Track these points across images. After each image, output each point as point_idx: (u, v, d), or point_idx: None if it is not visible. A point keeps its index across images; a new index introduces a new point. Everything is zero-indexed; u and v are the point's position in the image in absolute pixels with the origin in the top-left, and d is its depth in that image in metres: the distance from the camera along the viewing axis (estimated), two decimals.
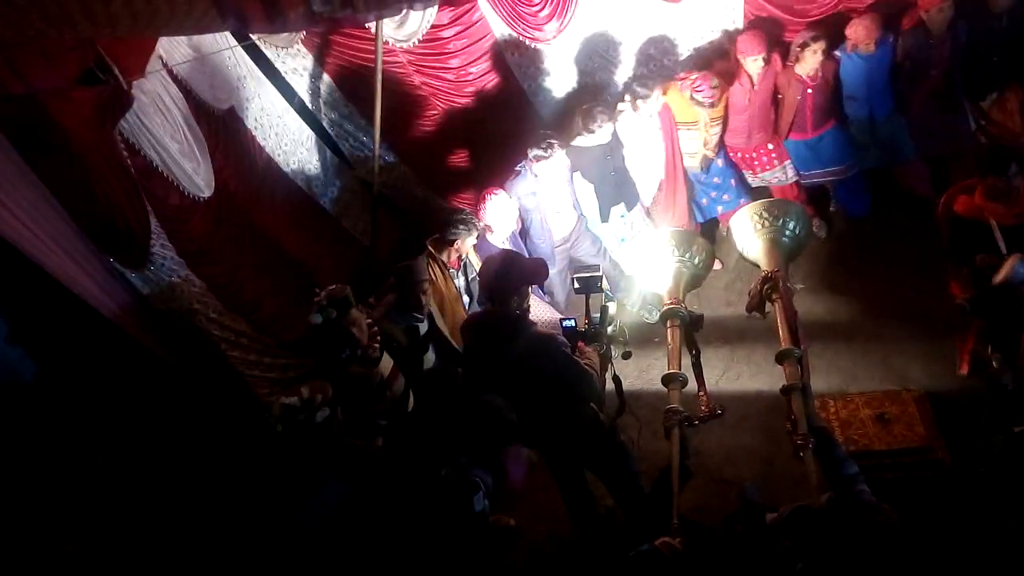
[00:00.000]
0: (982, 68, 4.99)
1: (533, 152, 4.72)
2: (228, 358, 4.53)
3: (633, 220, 5.32)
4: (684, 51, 5.49)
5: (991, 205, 4.00)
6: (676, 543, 2.63)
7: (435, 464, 2.98)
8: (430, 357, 4.27)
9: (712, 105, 5.05)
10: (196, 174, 4.14)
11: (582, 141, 4.93)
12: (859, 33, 4.91)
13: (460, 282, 4.62)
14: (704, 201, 5.60)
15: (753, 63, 4.99)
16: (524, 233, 5.08)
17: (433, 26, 4.87)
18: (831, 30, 5.03)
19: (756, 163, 5.52)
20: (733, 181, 5.50)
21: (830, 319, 5.14)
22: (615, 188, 5.12)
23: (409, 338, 4.08)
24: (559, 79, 5.47)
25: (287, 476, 3.19)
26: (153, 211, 3.98)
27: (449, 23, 4.90)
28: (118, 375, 4.19)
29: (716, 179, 5.47)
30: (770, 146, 5.43)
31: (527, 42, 5.15)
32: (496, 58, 5.21)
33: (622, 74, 5.51)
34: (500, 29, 5.08)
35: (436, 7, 4.61)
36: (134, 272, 4.09)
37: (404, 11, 4.30)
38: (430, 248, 4.48)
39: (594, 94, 5.53)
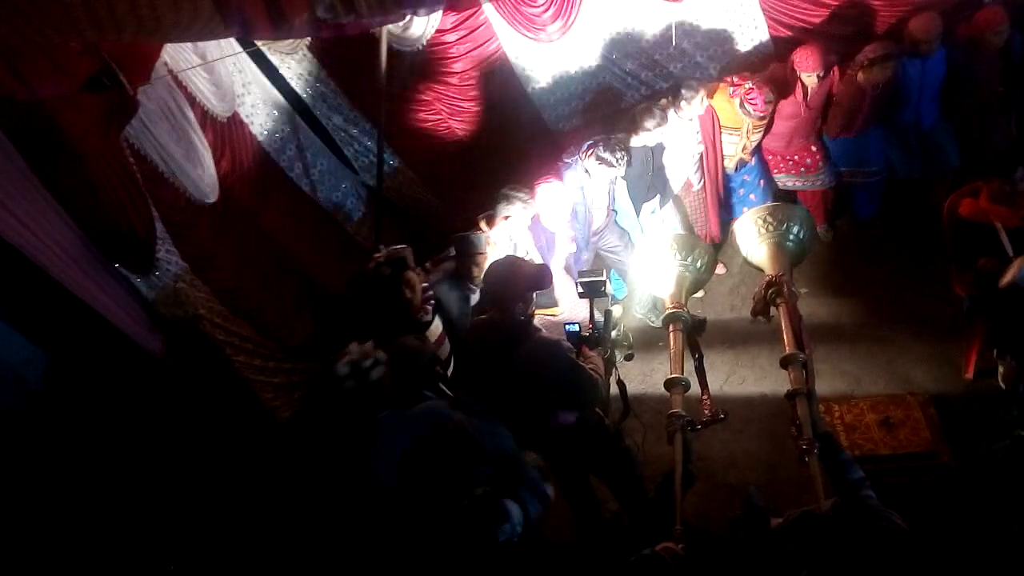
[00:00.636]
0: None
1: (602, 154, 4.62)
2: (233, 363, 4.54)
3: (664, 216, 5.29)
4: (694, 60, 5.47)
5: (997, 208, 3.99)
6: (678, 548, 2.63)
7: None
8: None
9: (762, 118, 4.98)
10: (201, 180, 4.16)
11: (634, 140, 4.86)
12: (919, 35, 4.74)
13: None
14: (732, 203, 5.52)
15: (809, 78, 4.87)
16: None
17: (437, 31, 4.89)
18: (902, 44, 4.88)
19: (793, 166, 5.39)
20: (762, 182, 5.42)
21: (834, 323, 5.12)
22: (649, 186, 5.07)
23: (459, 306, 4.08)
24: (563, 81, 5.47)
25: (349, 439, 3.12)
26: (158, 216, 4.00)
27: (453, 27, 4.91)
28: (123, 379, 4.21)
29: (746, 176, 5.39)
30: (813, 148, 5.29)
31: (531, 43, 5.16)
32: (500, 61, 5.21)
33: (628, 75, 5.50)
34: (504, 31, 5.08)
35: (440, 12, 4.62)
36: (139, 277, 4.12)
37: (408, 16, 4.30)
38: (483, 224, 4.45)
39: (599, 95, 5.53)
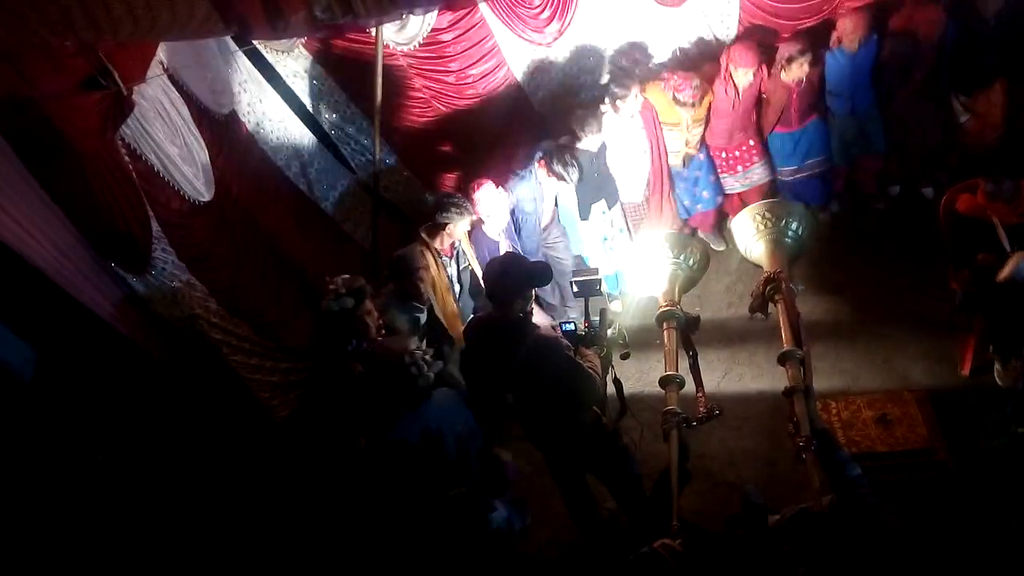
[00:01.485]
0: (971, 67, 5.02)
1: (555, 168, 4.72)
2: (230, 363, 4.54)
3: (613, 218, 5.33)
4: (675, 54, 5.50)
5: (994, 204, 3.99)
6: (676, 545, 2.63)
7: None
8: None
9: (694, 105, 5.07)
10: (197, 179, 4.15)
11: (578, 145, 4.93)
12: (847, 27, 4.93)
13: (452, 270, 4.61)
14: (687, 202, 5.63)
15: (743, 75, 5.02)
16: (516, 231, 5.05)
17: (433, 29, 4.88)
18: (818, 39, 5.06)
19: (736, 163, 5.52)
20: (712, 178, 5.55)
21: (831, 320, 5.14)
22: (596, 187, 5.13)
23: (411, 328, 4.09)
24: (560, 80, 5.48)
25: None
26: (154, 216, 3.99)
27: (449, 26, 4.91)
28: (118, 379, 4.19)
29: (697, 172, 5.50)
30: (751, 143, 5.44)
31: (528, 44, 5.16)
32: (496, 60, 5.21)
33: (624, 75, 5.50)
34: (500, 31, 5.09)
35: (436, 12, 4.62)
36: (135, 277, 4.10)
37: (405, 15, 4.30)
38: (423, 235, 4.49)
39: (596, 94, 5.55)
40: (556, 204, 5.18)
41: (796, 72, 4.99)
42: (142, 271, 4.08)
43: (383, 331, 3.79)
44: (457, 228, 4.46)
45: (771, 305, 3.76)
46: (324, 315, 3.64)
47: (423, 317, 4.15)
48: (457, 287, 4.64)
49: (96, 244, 3.87)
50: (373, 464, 3.21)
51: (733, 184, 5.60)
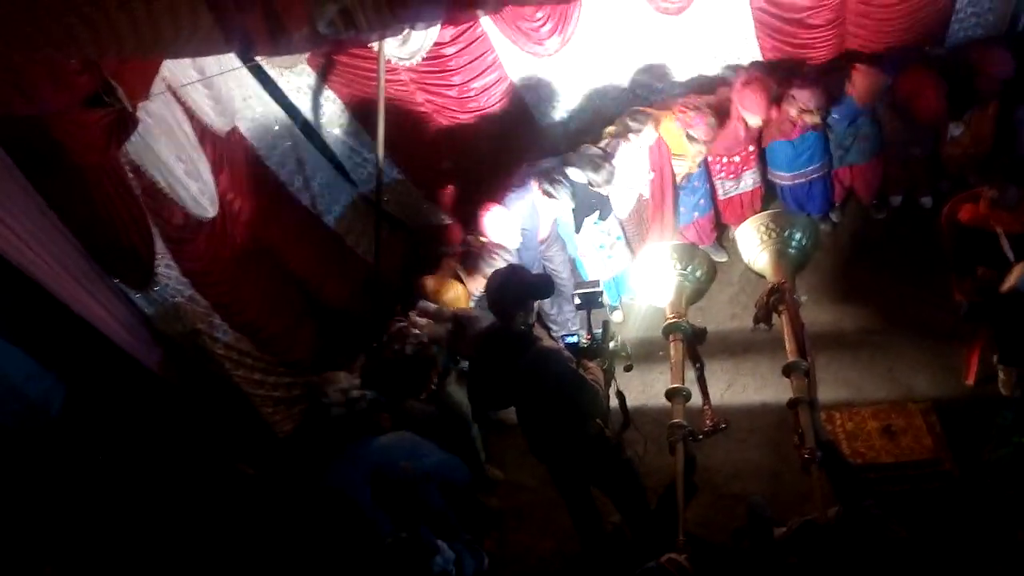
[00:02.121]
0: (967, 97, 5.00)
1: (545, 187, 4.74)
2: (232, 378, 4.54)
3: (609, 227, 5.32)
4: (687, 75, 5.52)
5: (997, 213, 3.99)
6: (682, 559, 2.61)
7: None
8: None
9: (706, 143, 5.13)
10: (201, 194, 4.17)
11: (575, 175, 4.89)
12: (860, 89, 4.95)
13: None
14: (683, 209, 5.62)
15: (751, 119, 5.07)
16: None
17: (436, 43, 4.90)
18: (829, 96, 5.06)
19: (733, 168, 5.53)
20: (708, 185, 5.57)
21: (835, 331, 5.12)
22: (590, 205, 5.12)
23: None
24: (562, 93, 5.50)
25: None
26: (158, 232, 4.01)
27: (451, 40, 4.93)
28: (123, 396, 4.19)
29: (696, 183, 5.52)
30: (751, 148, 5.44)
31: (529, 57, 5.19)
32: (498, 73, 5.24)
33: (623, 88, 5.54)
34: (502, 45, 5.12)
35: (439, 26, 4.65)
36: (138, 293, 4.11)
37: (407, 30, 4.33)
38: (461, 271, 4.57)
39: (598, 107, 5.56)
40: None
41: (808, 119, 5.04)
42: (145, 287, 4.10)
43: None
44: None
45: (775, 316, 3.76)
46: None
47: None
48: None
49: (100, 260, 3.88)
50: (304, 511, 3.23)
51: (728, 188, 5.61)
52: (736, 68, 5.40)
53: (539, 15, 4.93)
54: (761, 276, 4.04)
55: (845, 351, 4.95)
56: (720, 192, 5.64)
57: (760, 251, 4.00)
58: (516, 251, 4.91)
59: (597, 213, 5.17)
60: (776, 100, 5.11)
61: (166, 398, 4.31)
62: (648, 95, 5.55)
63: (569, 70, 5.39)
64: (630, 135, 4.98)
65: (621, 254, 5.39)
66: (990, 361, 4.33)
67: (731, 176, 5.55)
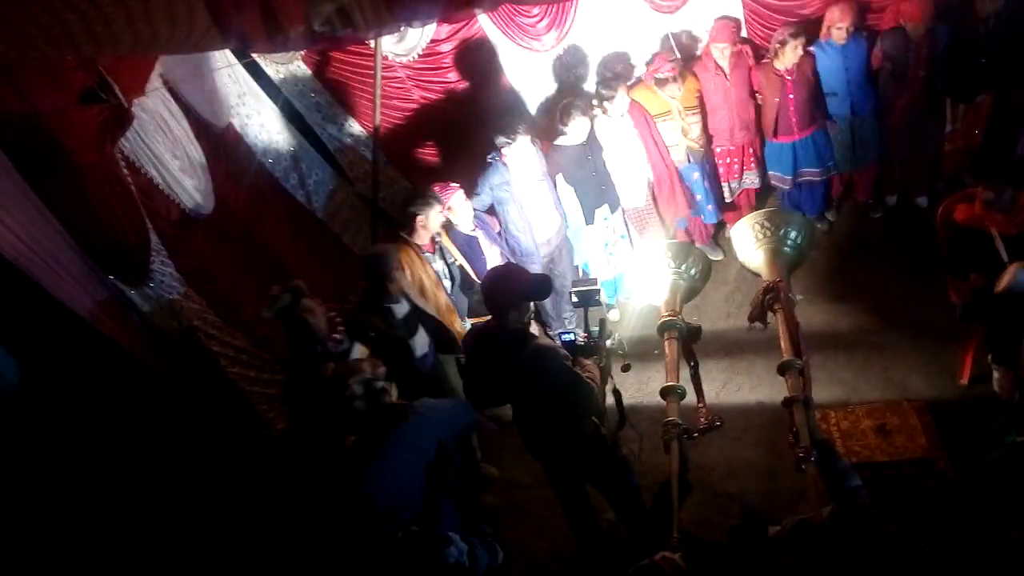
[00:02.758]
0: (968, 70, 5.01)
1: (498, 140, 4.73)
2: (228, 375, 4.53)
3: (615, 225, 5.34)
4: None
5: (991, 214, 4.00)
6: (677, 558, 2.62)
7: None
8: (420, 341, 4.24)
9: (675, 80, 5.08)
10: (196, 191, 4.16)
11: (561, 140, 4.93)
12: (834, 15, 4.92)
13: (439, 265, 4.60)
14: (699, 196, 5.61)
15: (720, 52, 5.06)
16: (503, 231, 5.05)
17: (432, 40, 4.91)
18: (809, 27, 5.06)
19: (741, 167, 5.57)
20: (707, 183, 5.57)
21: (830, 330, 5.13)
22: (597, 190, 5.13)
23: (387, 322, 4.07)
24: (557, 87, 5.50)
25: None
26: (153, 228, 4.00)
27: (448, 37, 4.94)
28: (116, 392, 4.19)
29: (706, 183, 5.54)
30: (758, 143, 5.48)
31: (526, 53, 5.18)
32: (495, 69, 5.24)
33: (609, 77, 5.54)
34: (499, 40, 5.11)
35: (435, 23, 4.64)
36: (133, 289, 4.10)
37: (403, 28, 4.32)
38: (402, 235, 4.51)
39: (590, 99, 5.57)
40: (562, 214, 5.16)
41: (790, 57, 4.98)
42: (140, 283, 4.09)
43: (340, 328, 3.77)
44: (430, 219, 4.44)
45: (770, 315, 3.76)
46: (269, 320, 3.63)
47: (399, 309, 4.11)
48: (447, 282, 4.64)
49: (95, 257, 3.87)
50: (335, 514, 3.17)
51: (733, 188, 5.65)
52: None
53: (536, 11, 4.94)
54: (756, 275, 4.04)
55: (840, 350, 4.97)
56: (727, 194, 5.66)
57: (755, 250, 4.01)
58: (507, 230, 4.92)
59: (607, 206, 5.17)
60: (746, 42, 5.16)
61: (160, 393, 4.30)
62: (625, 72, 5.50)
63: (565, 65, 5.38)
64: (604, 103, 4.99)
65: (623, 253, 5.39)
66: (984, 361, 4.35)
67: (735, 176, 5.58)
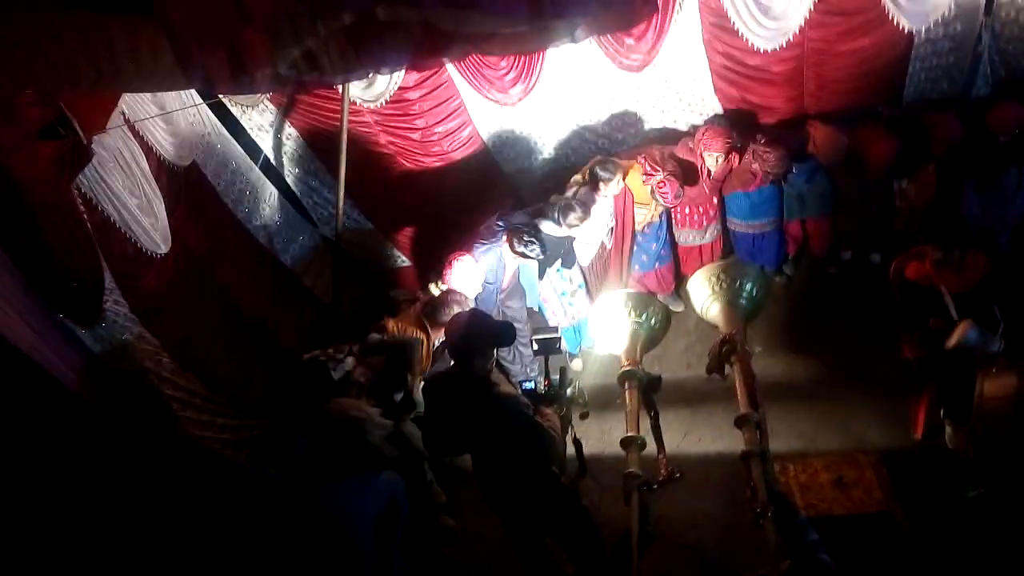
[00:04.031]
0: (912, 161, 5.18)
1: (518, 247, 4.69)
2: (180, 419, 4.40)
3: (571, 275, 5.35)
4: (648, 126, 5.64)
5: (941, 272, 4.11)
6: None
7: None
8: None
9: (669, 206, 5.27)
10: (154, 230, 4.10)
11: (546, 227, 4.86)
12: (822, 148, 5.10)
13: None
14: (644, 257, 5.68)
15: (710, 158, 5.18)
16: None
17: (400, 87, 4.95)
18: (792, 158, 5.19)
19: (696, 220, 5.63)
20: (668, 235, 5.66)
21: (788, 382, 5.18)
22: (556, 255, 5.14)
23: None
24: (523, 139, 5.58)
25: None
26: (108, 267, 3.91)
27: (416, 85, 4.99)
28: (63, 435, 4.02)
29: (658, 232, 5.60)
30: (715, 200, 5.56)
31: (493, 104, 5.25)
32: (462, 119, 5.30)
33: (585, 139, 5.63)
34: (466, 91, 5.18)
35: (403, 71, 4.69)
36: (85, 329, 3.98)
37: (371, 74, 4.36)
38: (424, 320, 4.44)
39: (557, 152, 5.64)
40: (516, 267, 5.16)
41: (770, 175, 5.20)
42: (92, 323, 3.97)
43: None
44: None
45: (728, 366, 3.78)
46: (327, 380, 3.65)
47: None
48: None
49: (44, 295, 3.76)
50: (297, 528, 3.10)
51: (690, 238, 5.70)
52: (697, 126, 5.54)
53: (503, 64, 5.02)
54: (714, 326, 4.08)
55: (798, 402, 5.01)
56: (680, 240, 5.73)
57: (711, 301, 4.05)
58: (475, 299, 4.89)
59: (559, 261, 5.20)
60: (739, 150, 5.24)
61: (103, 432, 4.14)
62: (609, 145, 5.66)
63: (532, 118, 5.47)
64: (600, 184, 5.03)
65: (582, 302, 5.41)
66: (937, 415, 4.42)
67: (696, 227, 5.65)
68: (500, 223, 4.79)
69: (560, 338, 3.64)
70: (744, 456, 3.24)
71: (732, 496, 4.48)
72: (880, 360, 5.01)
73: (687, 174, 5.22)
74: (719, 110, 5.57)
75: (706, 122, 5.53)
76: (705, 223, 5.63)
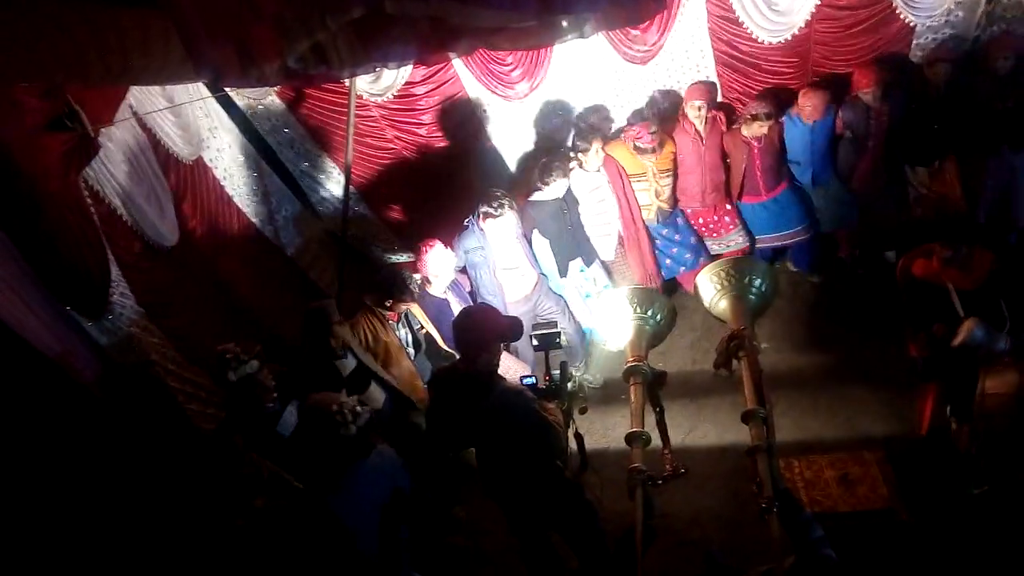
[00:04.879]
0: (922, 140, 5.15)
1: (483, 209, 4.74)
2: (186, 411, 4.42)
3: (595, 275, 5.36)
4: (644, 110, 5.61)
5: (949, 270, 4.10)
6: None
7: None
8: (375, 396, 4.21)
9: (654, 151, 5.17)
10: (161, 223, 4.11)
11: (538, 195, 4.98)
12: (806, 109, 5.10)
13: (402, 333, 4.56)
14: (667, 262, 5.66)
15: (691, 110, 5.15)
16: (474, 292, 5.06)
17: (407, 82, 4.96)
18: (780, 101, 5.22)
19: (714, 229, 5.63)
20: (694, 239, 5.60)
21: (794, 378, 5.18)
22: (571, 244, 5.17)
23: (333, 379, 4.04)
24: (529, 135, 5.57)
25: None
26: (115, 259, 3.92)
27: (422, 80, 4.99)
28: (68, 424, 4.04)
29: (677, 236, 5.56)
30: (728, 206, 5.56)
31: (499, 100, 5.25)
32: (467, 114, 5.30)
33: (591, 127, 5.60)
34: (472, 87, 5.18)
35: (411, 65, 4.69)
36: (91, 322, 4.00)
37: (379, 68, 4.36)
38: (367, 303, 4.44)
39: (562, 148, 5.63)
40: (538, 270, 5.15)
41: (756, 129, 5.14)
42: (99, 316, 3.99)
43: (275, 394, 3.74)
44: (404, 304, 4.45)
45: (735, 362, 3.78)
46: (229, 384, 3.58)
47: (346, 363, 4.10)
48: (411, 349, 4.59)
49: (52, 287, 3.77)
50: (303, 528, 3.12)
51: (715, 247, 5.67)
52: None
53: (510, 60, 5.02)
54: (722, 321, 4.07)
55: (804, 398, 5.01)
56: (711, 249, 5.68)
57: (720, 297, 4.04)
58: (478, 291, 4.89)
59: (580, 260, 5.19)
60: (722, 109, 5.28)
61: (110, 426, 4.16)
62: (600, 125, 5.58)
63: (538, 114, 5.46)
64: (579, 155, 5.06)
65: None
66: (942, 413, 4.41)
67: (713, 235, 5.62)
68: (477, 202, 4.80)
69: (559, 332, 3.64)
70: (750, 451, 3.24)
71: (736, 492, 4.48)
72: (885, 357, 5.01)
73: (666, 127, 5.26)
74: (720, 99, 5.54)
75: None
76: (724, 230, 5.59)
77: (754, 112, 5.12)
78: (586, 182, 5.20)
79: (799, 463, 4.41)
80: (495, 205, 4.71)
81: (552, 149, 5.49)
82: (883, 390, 4.91)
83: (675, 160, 5.34)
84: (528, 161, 5.56)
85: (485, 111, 5.34)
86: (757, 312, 4.07)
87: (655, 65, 5.31)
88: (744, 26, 5.02)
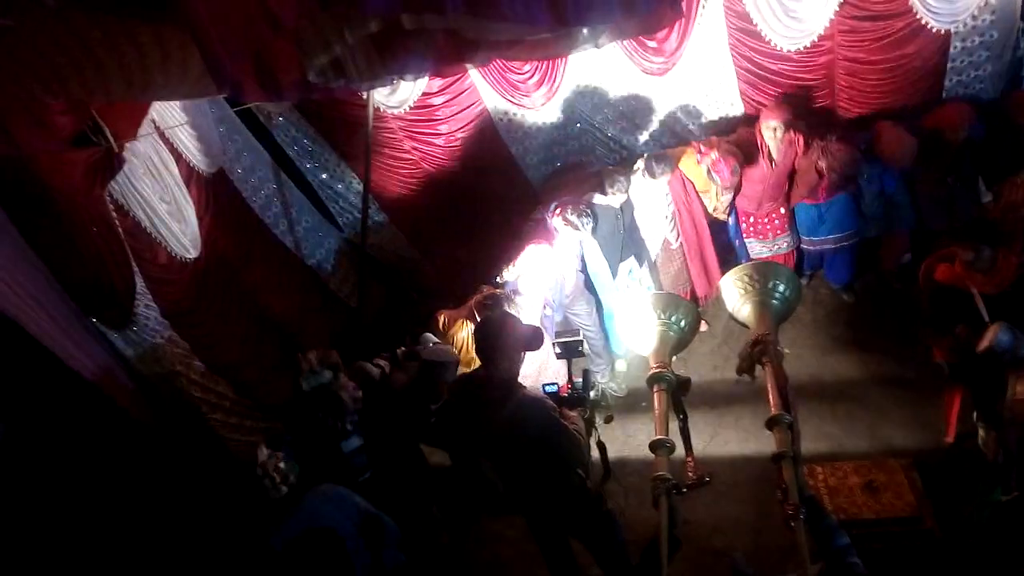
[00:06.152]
0: (998, 162, 4.96)
1: (569, 216, 4.73)
2: (209, 421, 4.46)
3: (641, 277, 5.34)
4: (671, 130, 5.58)
5: (972, 274, 4.04)
6: None
7: None
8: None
9: (727, 188, 5.13)
10: (184, 235, 4.16)
11: (599, 199, 4.96)
12: (888, 150, 4.92)
13: None
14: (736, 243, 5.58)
15: (768, 130, 4.99)
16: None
17: (424, 93, 4.99)
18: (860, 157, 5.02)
19: (762, 231, 5.53)
20: (738, 242, 5.56)
21: (816, 384, 5.12)
22: (624, 246, 5.15)
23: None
24: (546, 143, 5.58)
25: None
26: (139, 271, 3.98)
27: (439, 91, 5.02)
28: (95, 435, 4.10)
29: (734, 240, 5.53)
30: (782, 211, 5.41)
31: (515, 108, 5.26)
32: (485, 123, 5.32)
33: (609, 139, 5.62)
34: (489, 96, 5.20)
35: (427, 77, 4.72)
36: (116, 332, 4.06)
37: (396, 80, 4.39)
38: (475, 311, 4.41)
39: (580, 156, 5.63)
40: (581, 268, 5.11)
41: (836, 175, 5.01)
42: (124, 327, 4.05)
43: (359, 404, 3.70)
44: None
45: (758, 368, 3.75)
46: (301, 394, 3.55)
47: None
48: None
49: (78, 299, 3.83)
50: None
51: (760, 249, 5.57)
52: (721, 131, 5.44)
53: (526, 68, 5.04)
54: (744, 326, 4.04)
55: (827, 405, 4.95)
56: (753, 251, 5.59)
57: (743, 302, 4.01)
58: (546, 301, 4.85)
59: (632, 259, 5.18)
60: (801, 130, 5.04)
61: (139, 437, 4.21)
62: (632, 149, 5.61)
63: (554, 122, 5.46)
64: (655, 171, 5.01)
65: None
66: (970, 419, 4.35)
67: (762, 237, 5.53)
68: (575, 215, 4.77)
69: (582, 340, 3.63)
70: (775, 458, 3.20)
71: (759, 499, 4.44)
72: (911, 363, 4.94)
73: (746, 158, 5.09)
74: (740, 112, 5.47)
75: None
76: (772, 234, 5.48)
77: (834, 165, 4.94)
78: (647, 190, 5.15)
79: (823, 470, 4.36)
80: (583, 220, 4.75)
81: (582, 155, 5.53)
82: (908, 396, 4.85)
83: (741, 180, 5.25)
84: (556, 167, 5.55)
85: (503, 120, 5.35)
86: (781, 318, 4.03)
87: (674, 77, 5.26)
88: (763, 34, 4.92)
